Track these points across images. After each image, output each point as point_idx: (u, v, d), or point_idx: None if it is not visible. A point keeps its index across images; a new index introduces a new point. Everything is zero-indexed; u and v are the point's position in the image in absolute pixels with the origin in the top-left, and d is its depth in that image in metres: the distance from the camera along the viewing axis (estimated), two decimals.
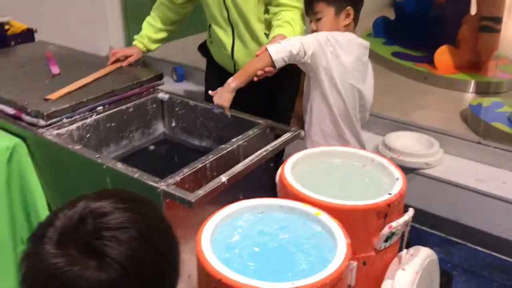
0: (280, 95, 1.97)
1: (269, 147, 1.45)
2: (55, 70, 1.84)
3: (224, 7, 1.78)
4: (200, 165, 1.33)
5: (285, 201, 1.13)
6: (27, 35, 2.34)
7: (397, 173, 1.26)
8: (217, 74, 2.00)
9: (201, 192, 1.20)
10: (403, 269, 1.17)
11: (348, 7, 1.62)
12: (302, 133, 1.64)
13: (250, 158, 1.37)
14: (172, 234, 0.73)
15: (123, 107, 1.71)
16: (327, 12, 1.62)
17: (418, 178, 2.37)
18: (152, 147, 1.83)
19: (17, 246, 1.59)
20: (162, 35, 2.01)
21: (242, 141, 1.48)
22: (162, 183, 1.23)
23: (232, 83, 1.57)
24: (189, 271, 1.28)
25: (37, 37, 2.38)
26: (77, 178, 1.47)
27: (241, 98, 1.60)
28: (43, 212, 1.58)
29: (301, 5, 1.73)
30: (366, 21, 5.68)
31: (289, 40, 1.57)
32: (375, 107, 3.38)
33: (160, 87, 1.88)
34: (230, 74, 1.83)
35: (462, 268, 2.23)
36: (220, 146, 1.44)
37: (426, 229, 2.45)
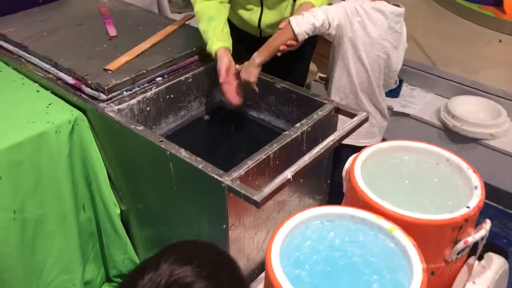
0: (294, 63, 1.89)
1: (336, 136, 1.38)
2: (112, 32, 1.79)
3: None
4: (264, 157, 1.28)
5: (356, 210, 1.08)
6: None
7: (476, 179, 1.18)
8: (236, 36, 1.71)
9: (267, 190, 1.17)
10: (474, 282, 1.14)
11: None
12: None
13: (316, 150, 1.31)
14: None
15: (182, 78, 1.66)
16: None
17: (480, 148, 2.27)
18: (209, 117, 1.79)
19: (79, 213, 1.63)
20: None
21: (307, 126, 1.41)
22: (226, 177, 1.20)
23: (257, 58, 1.52)
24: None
25: None
26: (139, 156, 1.46)
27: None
28: (104, 182, 1.59)
29: None
30: None
31: (313, 11, 1.50)
32: (436, 59, 3.20)
33: None
34: (254, 37, 1.73)
35: None
36: (284, 133, 1.38)
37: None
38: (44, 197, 1.52)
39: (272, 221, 1.46)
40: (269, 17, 1.74)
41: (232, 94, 1.58)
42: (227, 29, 1.64)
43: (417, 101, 2.52)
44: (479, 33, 3.85)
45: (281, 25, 1.52)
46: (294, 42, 1.50)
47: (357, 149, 1.74)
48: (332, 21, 1.51)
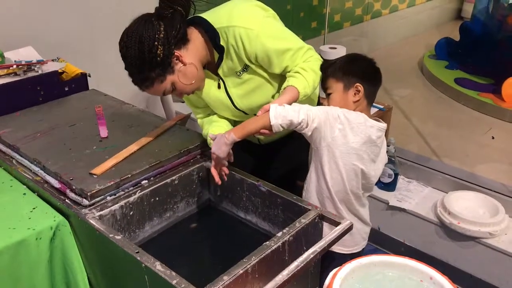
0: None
1: (317, 247, 1.35)
2: (104, 133, 1.82)
3: (236, 109, 1.72)
4: (242, 271, 1.25)
5: None
6: (81, 80, 2.34)
7: None
8: (240, 146, 1.62)
9: None
10: None
11: (358, 84, 1.56)
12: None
13: (295, 264, 1.27)
14: None
15: (168, 180, 1.66)
16: (336, 88, 1.59)
17: (480, 247, 2.20)
18: (195, 219, 1.77)
19: None
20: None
21: (288, 236, 1.38)
22: None
23: (230, 137, 1.49)
24: None
25: (90, 80, 2.38)
26: (118, 265, 1.43)
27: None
28: None
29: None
30: (429, 39, 5.44)
31: (296, 106, 1.48)
32: (435, 147, 3.19)
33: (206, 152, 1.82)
34: (255, 145, 1.82)
35: None
36: (264, 244, 1.35)
37: None
38: None
39: None
40: None
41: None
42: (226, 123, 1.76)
43: (414, 195, 2.48)
44: (479, 120, 3.89)
45: (260, 112, 1.49)
46: (267, 131, 1.49)
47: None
48: (311, 122, 1.48)
